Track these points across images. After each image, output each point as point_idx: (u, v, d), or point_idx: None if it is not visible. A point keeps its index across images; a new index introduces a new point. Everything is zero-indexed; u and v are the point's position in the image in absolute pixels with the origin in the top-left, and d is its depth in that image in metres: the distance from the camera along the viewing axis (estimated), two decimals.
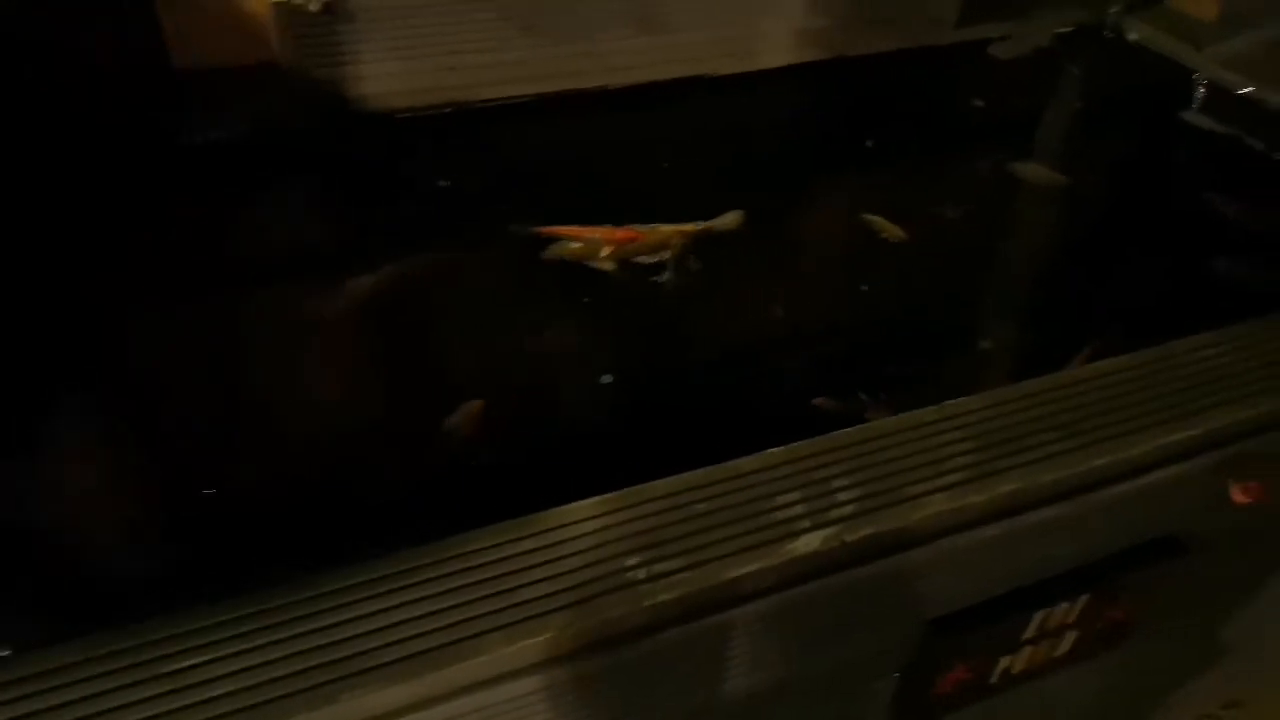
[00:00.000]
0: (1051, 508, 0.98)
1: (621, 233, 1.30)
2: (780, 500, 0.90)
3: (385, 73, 1.43)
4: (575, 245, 1.29)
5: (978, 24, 1.77)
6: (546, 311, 1.24)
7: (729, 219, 1.35)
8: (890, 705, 1.06)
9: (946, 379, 1.15)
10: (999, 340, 1.27)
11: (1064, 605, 1.06)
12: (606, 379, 1.13)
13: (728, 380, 1.18)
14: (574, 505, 0.88)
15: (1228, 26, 1.72)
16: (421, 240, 1.32)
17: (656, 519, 0.88)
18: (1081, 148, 1.61)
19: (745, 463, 0.93)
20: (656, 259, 1.29)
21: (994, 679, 1.09)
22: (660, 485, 0.90)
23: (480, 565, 0.83)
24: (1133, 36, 1.80)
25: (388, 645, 0.76)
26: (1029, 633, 1.06)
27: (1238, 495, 1.07)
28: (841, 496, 0.91)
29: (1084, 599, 1.06)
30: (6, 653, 0.76)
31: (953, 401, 1.02)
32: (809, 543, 0.87)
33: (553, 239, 1.30)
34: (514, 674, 0.79)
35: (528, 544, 0.85)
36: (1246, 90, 1.62)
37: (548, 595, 0.81)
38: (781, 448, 0.95)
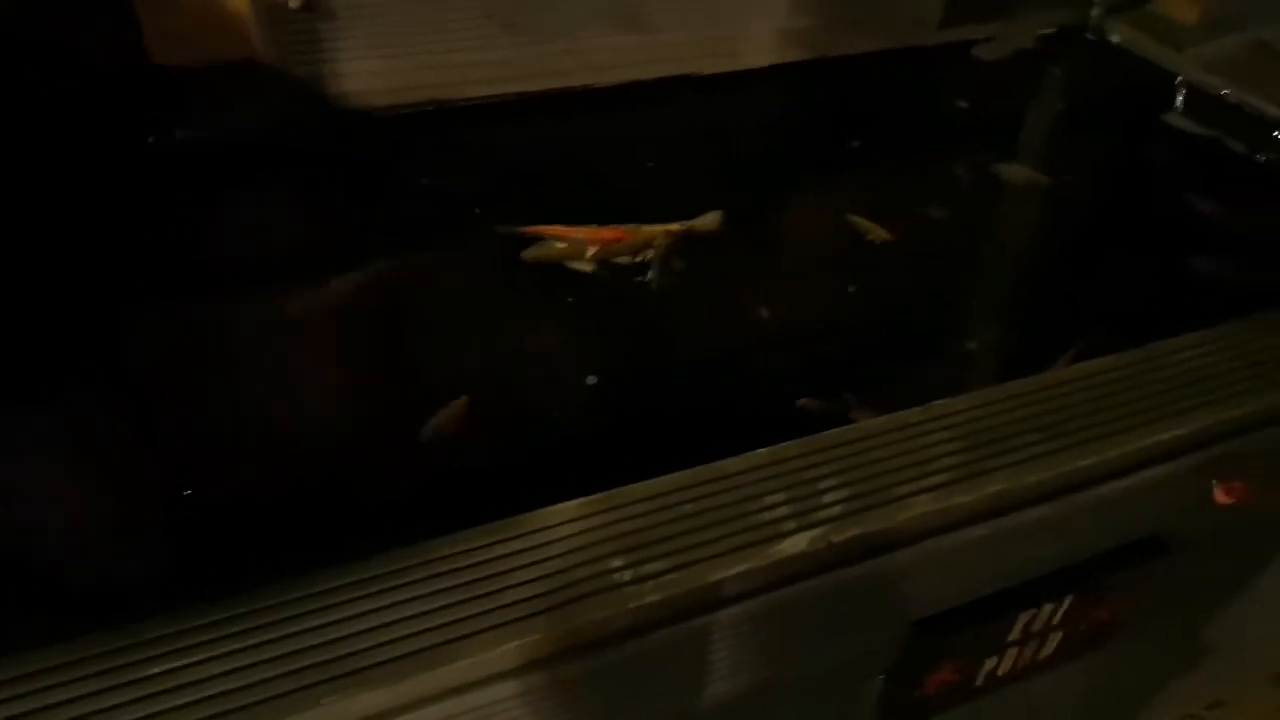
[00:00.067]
0: (1036, 508, 0.98)
1: (606, 232, 1.29)
2: (766, 501, 0.90)
3: (367, 71, 1.42)
4: (560, 245, 1.28)
5: (961, 25, 1.78)
6: (530, 312, 1.23)
7: (709, 219, 1.34)
8: (876, 706, 1.05)
9: (932, 380, 1.15)
10: (983, 341, 1.27)
11: (1049, 606, 1.06)
12: (592, 380, 1.12)
13: (713, 381, 1.18)
14: (560, 506, 0.87)
15: (1209, 29, 1.74)
16: (403, 239, 1.31)
17: (643, 520, 0.87)
18: (1064, 149, 1.62)
19: (731, 464, 0.93)
20: (639, 259, 1.29)
21: (980, 680, 1.09)
22: (646, 486, 0.90)
23: (466, 566, 0.82)
24: (1115, 39, 1.81)
25: (373, 647, 0.76)
26: (1014, 634, 1.06)
27: (1221, 495, 1.08)
28: (827, 497, 0.91)
29: (1069, 600, 1.06)
30: None
31: (938, 402, 1.02)
32: (795, 544, 0.86)
33: (537, 239, 1.29)
34: (500, 676, 0.78)
35: (514, 545, 0.84)
36: (1227, 92, 1.64)
37: (534, 597, 0.80)
38: (767, 449, 0.94)
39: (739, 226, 1.36)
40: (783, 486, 0.91)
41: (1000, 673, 1.09)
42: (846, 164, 1.54)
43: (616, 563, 0.83)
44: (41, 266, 1.17)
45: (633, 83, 1.57)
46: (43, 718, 0.70)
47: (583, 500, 0.88)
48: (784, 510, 0.89)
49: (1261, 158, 1.57)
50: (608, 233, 1.29)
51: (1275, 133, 1.57)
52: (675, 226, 1.32)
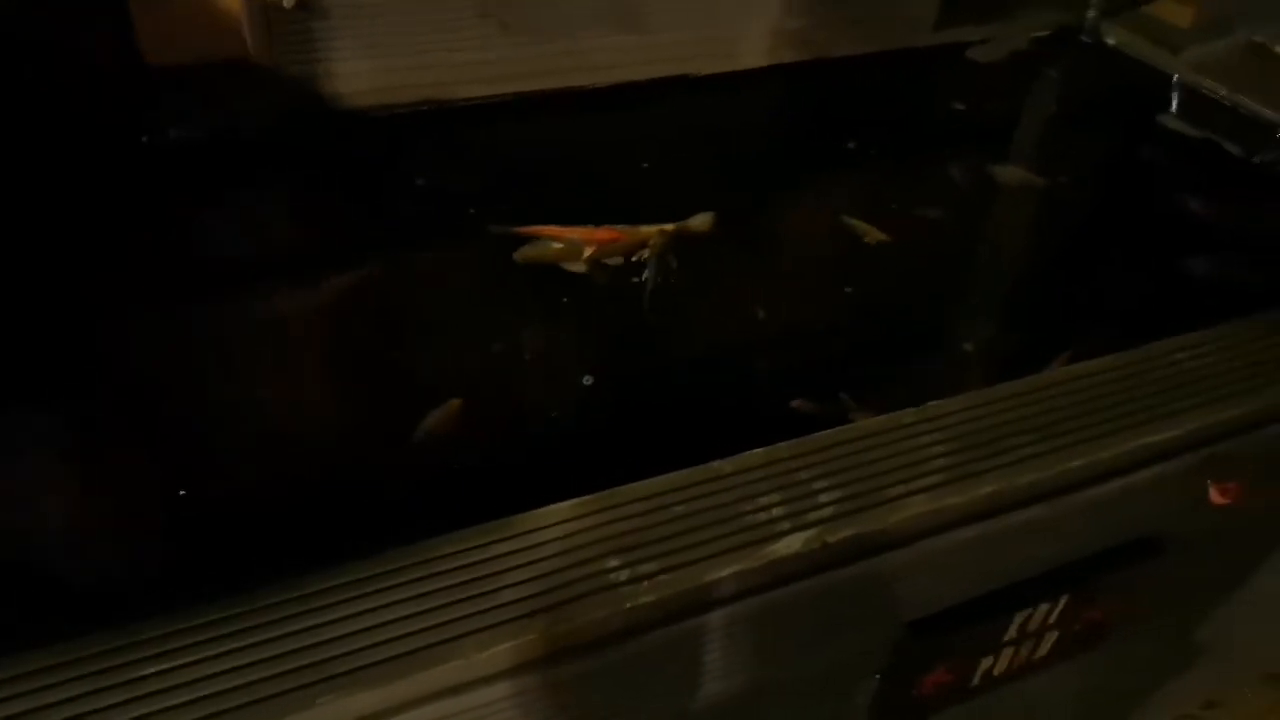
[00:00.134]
0: (1031, 509, 0.98)
1: (602, 233, 1.29)
2: (761, 502, 0.90)
3: (361, 70, 1.42)
4: (557, 246, 1.28)
5: (957, 27, 1.78)
6: (524, 312, 1.23)
7: (700, 220, 1.34)
8: (871, 707, 1.05)
9: (928, 381, 1.15)
10: (979, 342, 1.27)
11: (1044, 606, 1.06)
12: (587, 380, 1.12)
13: (708, 381, 1.18)
14: (554, 507, 0.87)
15: (1204, 32, 1.74)
16: (398, 240, 1.31)
17: (637, 521, 0.87)
18: (1059, 150, 1.62)
19: (725, 464, 0.93)
20: (636, 258, 1.29)
21: (975, 680, 1.09)
22: (640, 487, 0.90)
23: (461, 567, 0.82)
24: (1110, 41, 1.81)
25: (368, 648, 0.75)
26: (1009, 634, 1.06)
27: (1216, 496, 1.08)
28: (822, 498, 0.91)
29: (1063, 600, 1.07)
30: None
31: (932, 403, 1.02)
32: (790, 544, 0.86)
33: (532, 239, 1.29)
34: (495, 677, 0.78)
35: (508, 545, 0.84)
36: (1222, 94, 1.64)
37: (528, 598, 0.80)
38: (761, 449, 0.94)
39: (735, 227, 1.36)
40: (777, 487, 0.91)
41: (995, 673, 1.10)
42: (842, 165, 1.54)
43: (611, 563, 0.83)
44: (35, 266, 1.17)
45: (629, 83, 1.57)
46: (39, 718, 0.70)
47: (577, 501, 0.88)
48: (778, 511, 0.89)
49: (1256, 159, 1.57)
50: (603, 233, 1.29)
51: (1270, 134, 1.58)
52: (669, 227, 1.32)
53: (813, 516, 0.89)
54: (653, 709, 0.90)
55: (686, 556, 0.84)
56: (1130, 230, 1.48)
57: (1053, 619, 1.08)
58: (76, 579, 0.90)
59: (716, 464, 0.93)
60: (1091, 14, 1.83)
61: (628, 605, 0.81)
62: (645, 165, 1.46)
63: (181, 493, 0.96)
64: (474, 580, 0.81)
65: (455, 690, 0.77)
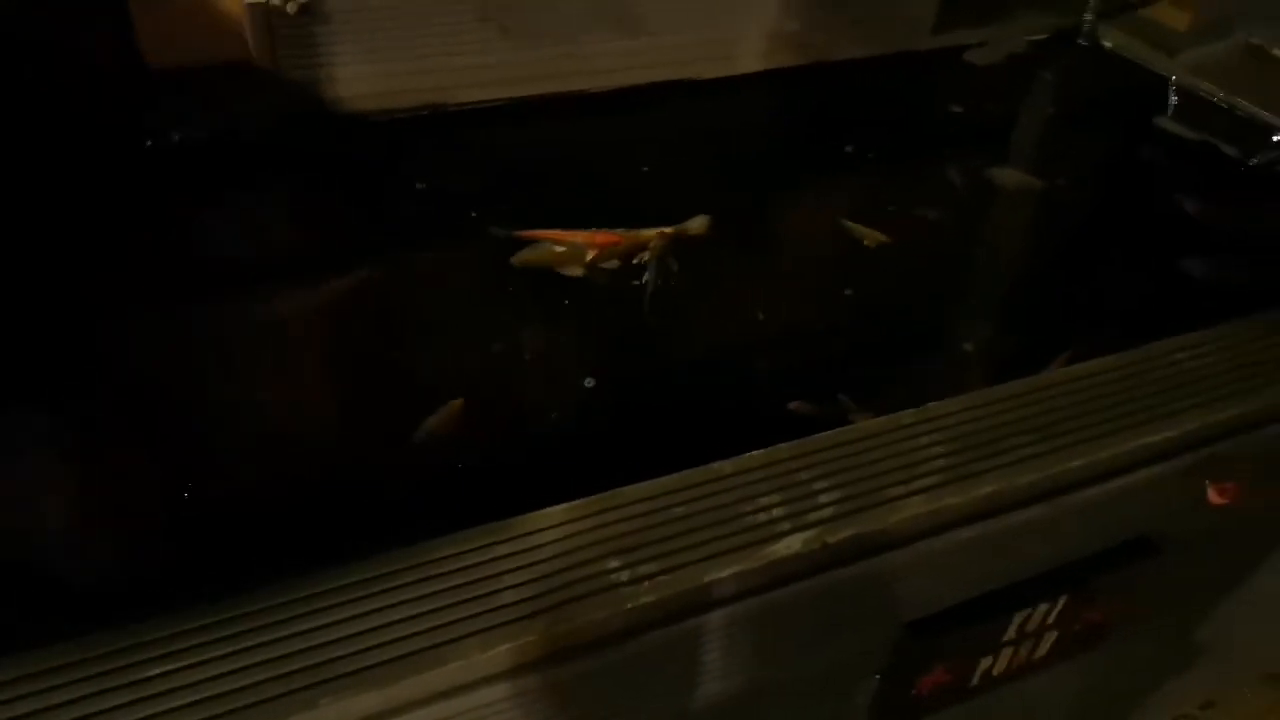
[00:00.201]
0: (1029, 510, 0.98)
1: (603, 236, 1.30)
2: (760, 503, 0.90)
3: (362, 74, 1.43)
4: (559, 249, 1.29)
5: (955, 30, 1.79)
6: (526, 315, 1.23)
7: (697, 223, 1.35)
8: (870, 707, 1.06)
9: (927, 383, 1.15)
10: (978, 344, 1.28)
11: (1042, 607, 1.06)
12: (589, 382, 1.12)
13: (710, 383, 1.18)
14: (555, 508, 0.87)
15: (1200, 34, 1.75)
16: (399, 243, 1.32)
17: (637, 522, 0.87)
18: (1057, 153, 1.63)
19: (725, 465, 0.93)
20: (636, 261, 1.29)
21: (974, 681, 1.09)
22: (641, 488, 0.90)
23: (461, 569, 0.82)
24: (1107, 44, 1.82)
25: (369, 649, 0.76)
26: (1007, 634, 1.07)
27: (1214, 496, 1.08)
28: (821, 499, 0.91)
29: (1062, 600, 1.07)
30: None
31: (931, 404, 1.02)
32: (789, 545, 0.86)
33: (533, 243, 1.29)
34: (495, 678, 0.78)
35: (508, 547, 0.84)
36: (1218, 96, 1.65)
37: (529, 599, 0.80)
38: (761, 450, 0.95)
39: (735, 230, 1.37)
40: (776, 488, 0.91)
41: (994, 673, 1.10)
42: (841, 167, 1.55)
43: (611, 564, 0.83)
44: (39, 268, 1.17)
45: (629, 87, 1.57)
46: (44, 718, 0.70)
47: (577, 502, 0.88)
48: (778, 512, 0.89)
49: (1253, 161, 1.57)
50: (604, 236, 1.30)
51: (1267, 136, 1.58)
52: (668, 230, 1.32)
53: (813, 517, 0.89)
54: (653, 709, 0.90)
55: (687, 557, 0.84)
56: (1128, 232, 1.49)
57: (1052, 619, 1.08)
58: (78, 580, 0.90)
59: (717, 465, 0.93)
60: (1089, 17, 1.84)
61: (628, 606, 0.81)
62: (645, 169, 1.47)
63: (183, 494, 0.97)
64: (475, 581, 0.81)
65: (457, 691, 0.77)
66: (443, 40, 1.47)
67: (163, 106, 1.34)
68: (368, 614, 0.78)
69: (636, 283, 1.27)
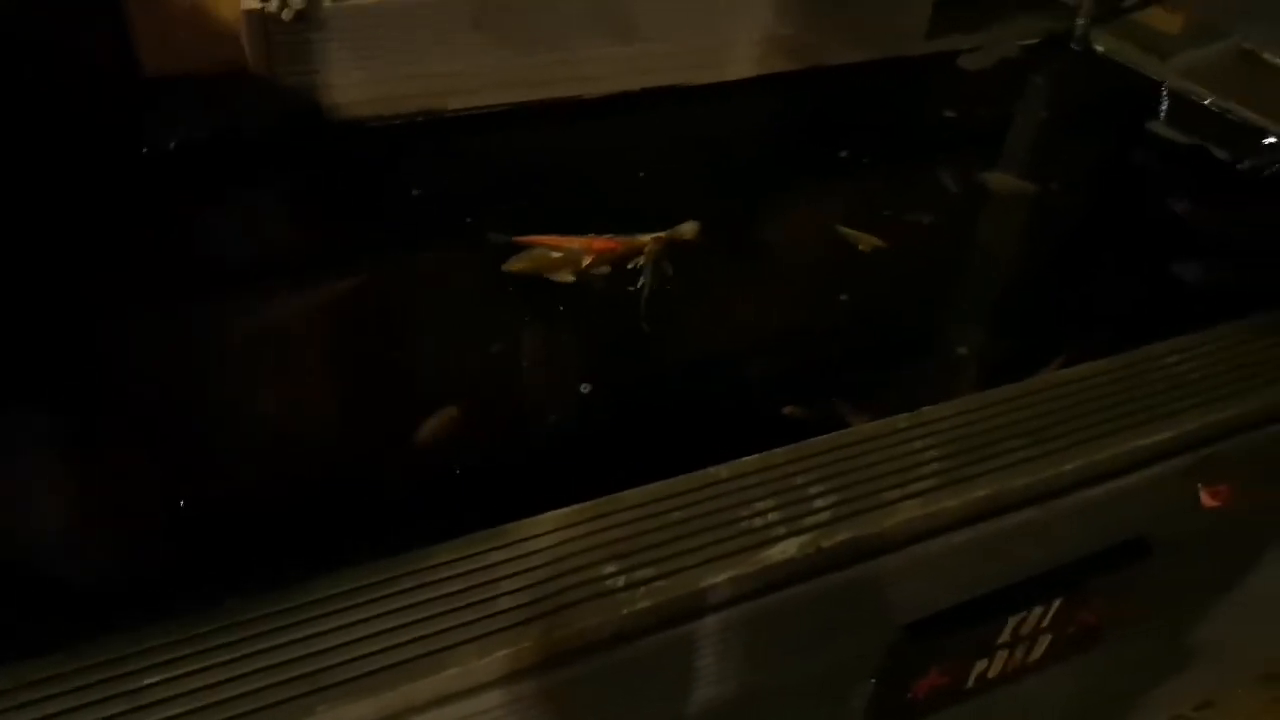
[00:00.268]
0: (1023, 512, 0.99)
1: (600, 242, 1.30)
2: (756, 507, 0.90)
3: (358, 80, 1.43)
4: (555, 255, 1.29)
5: (947, 35, 1.80)
6: (519, 321, 1.23)
7: (687, 227, 1.35)
8: (867, 710, 1.06)
9: (922, 386, 1.16)
10: (972, 348, 1.28)
11: (1037, 609, 1.07)
12: (585, 388, 1.13)
13: (705, 388, 1.18)
14: (550, 514, 0.88)
15: (1192, 38, 1.76)
16: (393, 249, 1.32)
17: (633, 527, 0.87)
18: (1050, 157, 1.63)
19: (721, 470, 0.93)
20: (632, 266, 1.29)
21: (970, 683, 1.09)
22: (637, 493, 0.90)
23: (457, 575, 0.82)
24: (1099, 48, 1.82)
25: (365, 657, 0.76)
26: (1003, 637, 1.07)
27: (1207, 499, 1.09)
28: (816, 503, 0.91)
29: (1057, 602, 1.07)
30: None
31: (925, 408, 1.03)
32: (784, 549, 0.87)
33: (530, 248, 1.29)
34: (491, 684, 0.78)
35: (504, 553, 0.84)
36: (1210, 100, 1.65)
37: (525, 605, 0.80)
38: (757, 455, 0.95)
39: (730, 235, 1.37)
40: (771, 493, 0.92)
41: (989, 676, 1.10)
42: (835, 172, 1.55)
43: (607, 569, 0.83)
44: (36, 275, 1.17)
45: (623, 93, 1.58)
46: None
47: (573, 508, 0.88)
48: (773, 516, 0.89)
49: (1245, 165, 1.58)
50: (601, 242, 1.30)
51: (1258, 140, 1.59)
52: (662, 235, 1.32)
53: (808, 521, 0.89)
54: (650, 714, 0.91)
55: (682, 562, 0.85)
56: (1121, 236, 1.50)
57: (1046, 621, 1.09)
58: (73, 588, 0.90)
59: (712, 470, 0.93)
60: (1081, 21, 1.84)
61: (624, 611, 0.81)
62: (640, 174, 1.47)
63: (176, 503, 0.97)
64: (472, 588, 0.81)
65: (454, 697, 0.77)
66: (438, 46, 1.48)
67: (159, 112, 1.34)
68: (365, 621, 0.78)
69: (632, 288, 1.27)
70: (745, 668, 0.92)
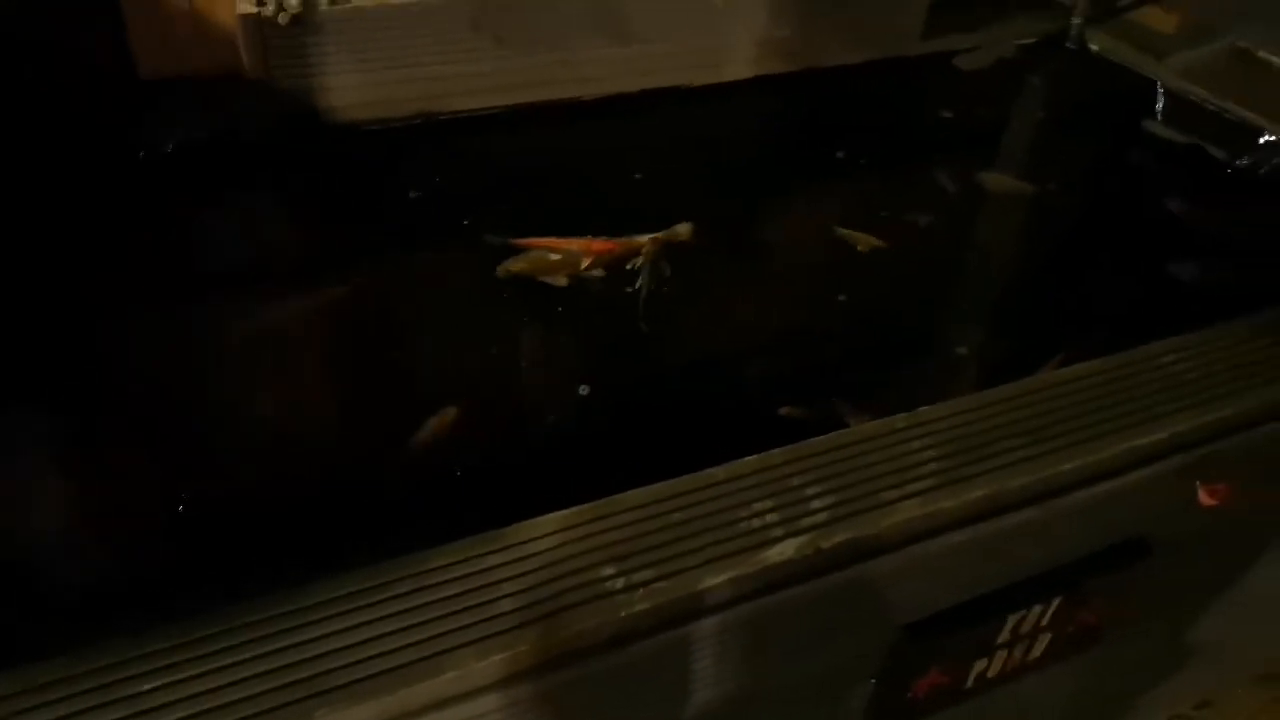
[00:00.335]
0: (1022, 512, 0.99)
1: (599, 244, 1.30)
2: (754, 508, 0.90)
3: (355, 83, 1.43)
4: (554, 257, 1.29)
5: (943, 36, 1.80)
6: (516, 323, 1.23)
7: (682, 228, 1.35)
8: (866, 710, 1.06)
9: (921, 386, 1.16)
10: (970, 347, 1.28)
11: (1036, 609, 1.07)
12: (583, 390, 1.13)
13: (703, 389, 1.18)
14: (548, 517, 0.88)
15: (1188, 38, 1.76)
16: (392, 251, 1.32)
17: (631, 529, 0.87)
18: (1046, 157, 1.64)
19: (718, 471, 0.93)
20: (630, 267, 1.29)
21: (969, 683, 1.09)
22: (635, 495, 0.90)
23: (455, 578, 0.82)
24: (1095, 48, 1.83)
25: (363, 660, 0.76)
26: (1002, 636, 1.07)
27: (1205, 498, 1.09)
28: (815, 504, 0.91)
29: (1056, 602, 1.07)
30: None
31: (923, 408, 1.03)
32: (783, 550, 0.87)
33: (528, 250, 1.29)
34: (490, 687, 0.78)
35: (502, 556, 0.84)
36: (1206, 99, 1.66)
37: (523, 608, 0.80)
38: (755, 456, 0.95)
39: (728, 236, 1.37)
40: (770, 494, 0.92)
41: (989, 675, 1.10)
42: (833, 173, 1.56)
43: (605, 572, 0.83)
44: (33, 277, 1.17)
45: (621, 94, 1.58)
46: None
47: (571, 510, 0.88)
48: (771, 517, 0.89)
49: (1241, 163, 1.58)
50: (599, 244, 1.30)
51: (1254, 138, 1.59)
52: (659, 236, 1.32)
53: (806, 522, 0.89)
54: (649, 716, 0.91)
55: (681, 564, 0.85)
56: (1118, 235, 1.50)
57: (1045, 621, 1.09)
58: (74, 594, 0.90)
59: (710, 471, 0.93)
60: (1076, 21, 1.84)
61: (623, 613, 0.81)
62: (638, 176, 1.47)
63: (175, 506, 0.97)
64: (470, 591, 0.81)
65: (453, 700, 0.77)
66: (435, 48, 1.48)
67: (156, 115, 1.34)
68: (363, 624, 0.78)
69: (630, 289, 1.27)
70: (744, 669, 0.92)
